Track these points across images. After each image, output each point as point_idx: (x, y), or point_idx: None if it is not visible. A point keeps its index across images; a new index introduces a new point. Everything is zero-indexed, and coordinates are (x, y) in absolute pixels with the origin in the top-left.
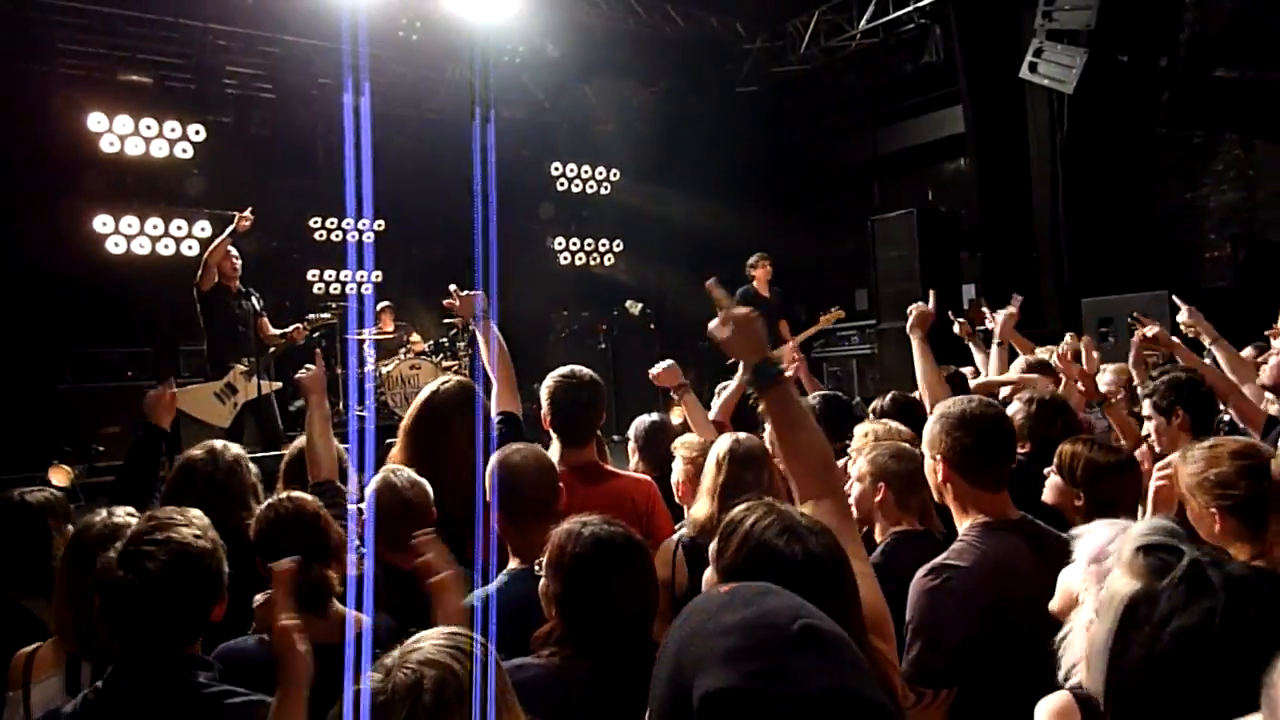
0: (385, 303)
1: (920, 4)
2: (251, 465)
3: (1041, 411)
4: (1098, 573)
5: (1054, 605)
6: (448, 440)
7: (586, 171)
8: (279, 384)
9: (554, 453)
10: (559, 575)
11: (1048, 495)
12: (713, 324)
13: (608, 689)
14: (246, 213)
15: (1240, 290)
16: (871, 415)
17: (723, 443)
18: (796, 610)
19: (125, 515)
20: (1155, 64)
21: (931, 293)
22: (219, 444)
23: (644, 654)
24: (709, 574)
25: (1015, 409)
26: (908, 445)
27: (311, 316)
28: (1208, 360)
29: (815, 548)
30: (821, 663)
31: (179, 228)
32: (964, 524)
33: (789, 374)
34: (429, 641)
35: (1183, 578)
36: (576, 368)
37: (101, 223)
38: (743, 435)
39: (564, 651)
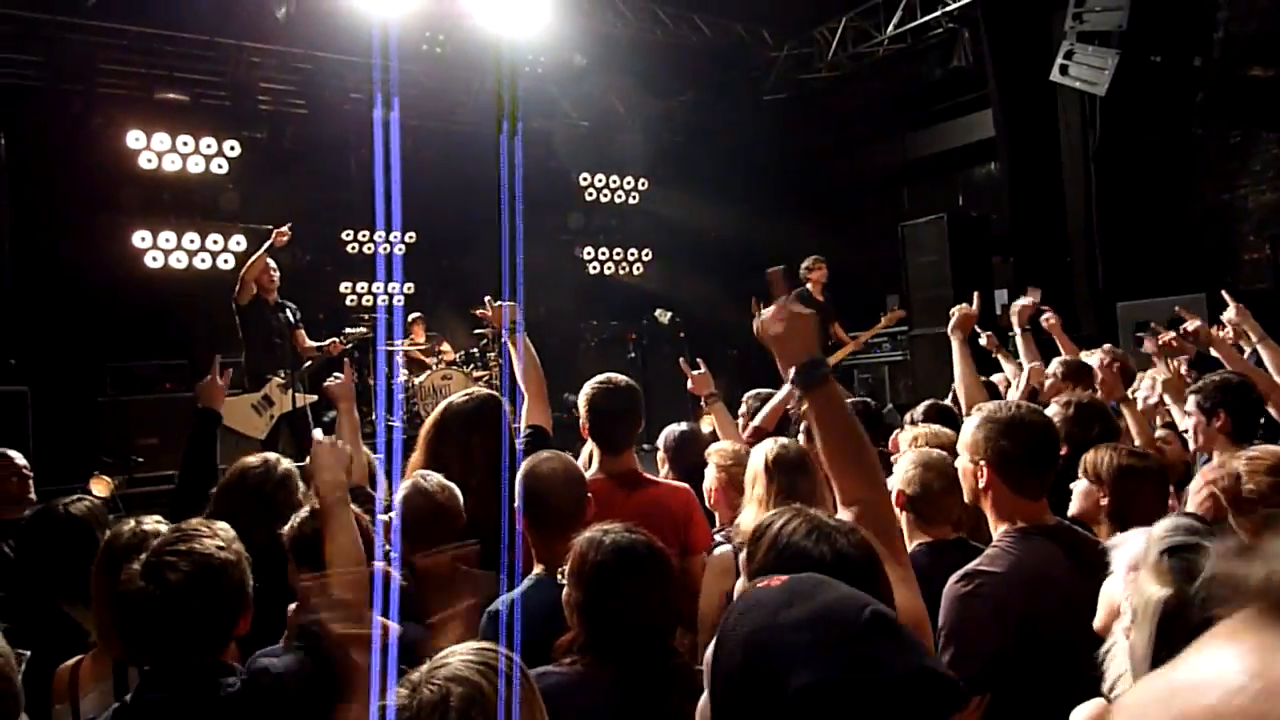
0: (417, 314)
1: (948, 8)
2: (300, 482)
3: (1080, 415)
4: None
5: (1098, 622)
6: (463, 448)
7: (615, 181)
8: (314, 397)
9: (592, 460)
10: (581, 583)
11: (1075, 502)
12: (765, 314)
13: (629, 697)
14: (284, 228)
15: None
16: (908, 423)
17: (767, 450)
18: (858, 599)
19: (154, 524)
20: (1189, 64)
21: (975, 295)
22: (273, 456)
23: (665, 662)
24: (741, 582)
25: (1053, 411)
26: (939, 452)
27: (348, 331)
28: (1250, 360)
29: (844, 547)
30: (898, 646)
31: (215, 242)
32: (999, 529)
33: None
34: (457, 657)
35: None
36: (614, 375)
37: (140, 238)
38: (785, 440)
39: (586, 659)
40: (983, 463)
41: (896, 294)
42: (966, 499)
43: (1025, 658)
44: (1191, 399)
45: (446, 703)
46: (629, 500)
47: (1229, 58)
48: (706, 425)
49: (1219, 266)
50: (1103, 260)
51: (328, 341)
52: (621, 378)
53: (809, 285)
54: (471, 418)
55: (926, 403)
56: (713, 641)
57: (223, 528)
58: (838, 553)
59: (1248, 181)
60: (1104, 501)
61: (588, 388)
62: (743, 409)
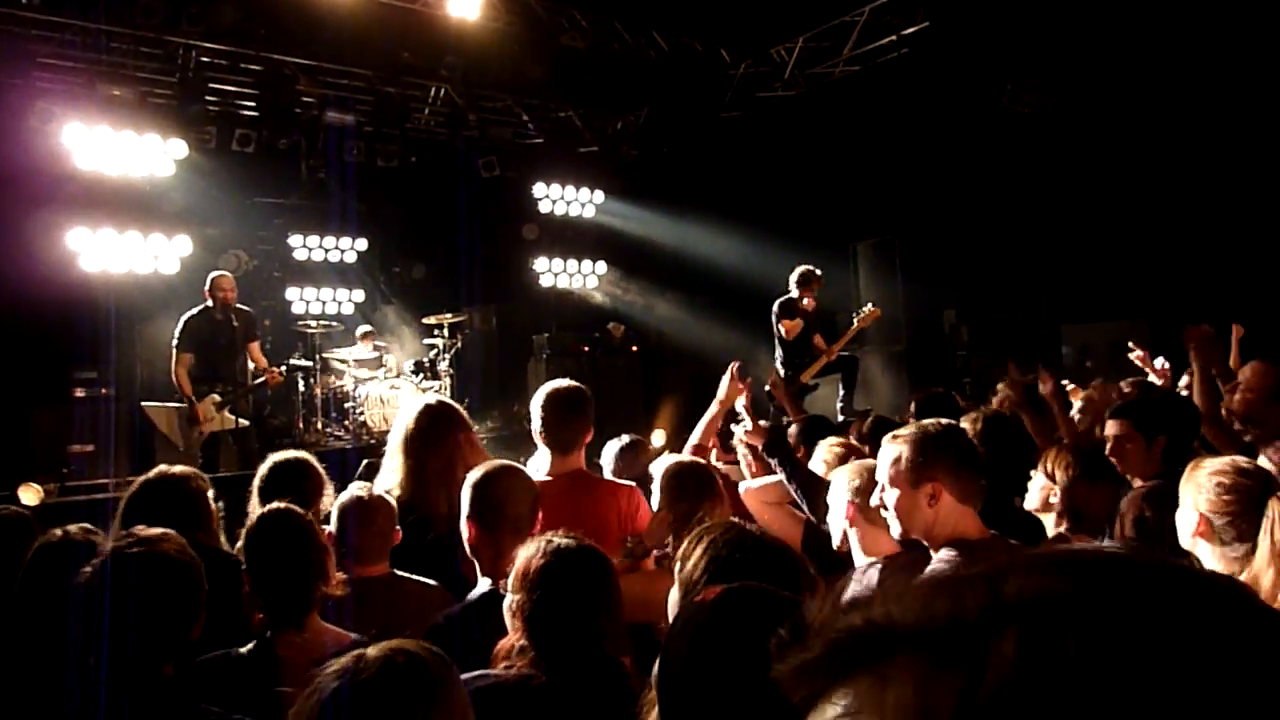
0: (367, 327)
1: (904, 33)
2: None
3: (988, 429)
4: None
5: None
6: (448, 451)
7: (570, 193)
8: (247, 423)
9: (544, 462)
10: (522, 587)
11: (1032, 496)
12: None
13: (565, 702)
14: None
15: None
16: (853, 438)
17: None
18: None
19: (81, 532)
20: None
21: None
22: (178, 468)
23: (603, 668)
24: (674, 594)
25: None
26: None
27: (292, 362)
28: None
29: (774, 561)
30: None
31: (157, 245)
32: (938, 543)
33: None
34: (397, 641)
35: None
36: (566, 380)
37: (76, 238)
38: (681, 458)
39: (523, 663)
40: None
41: (847, 312)
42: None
43: None
44: (1121, 422)
45: (394, 662)
46: (579, 500)
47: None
48: (658, 439)
49: (1162, 296)
50: (1051, 284)
51: (266, 374)
52: (573, 382)
53: (803, 297)
54: (457, 419)
55: (872, 415)
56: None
57: (174, 534)
58: (767, 566)
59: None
60: (1053, 500)
61: (539, 393)
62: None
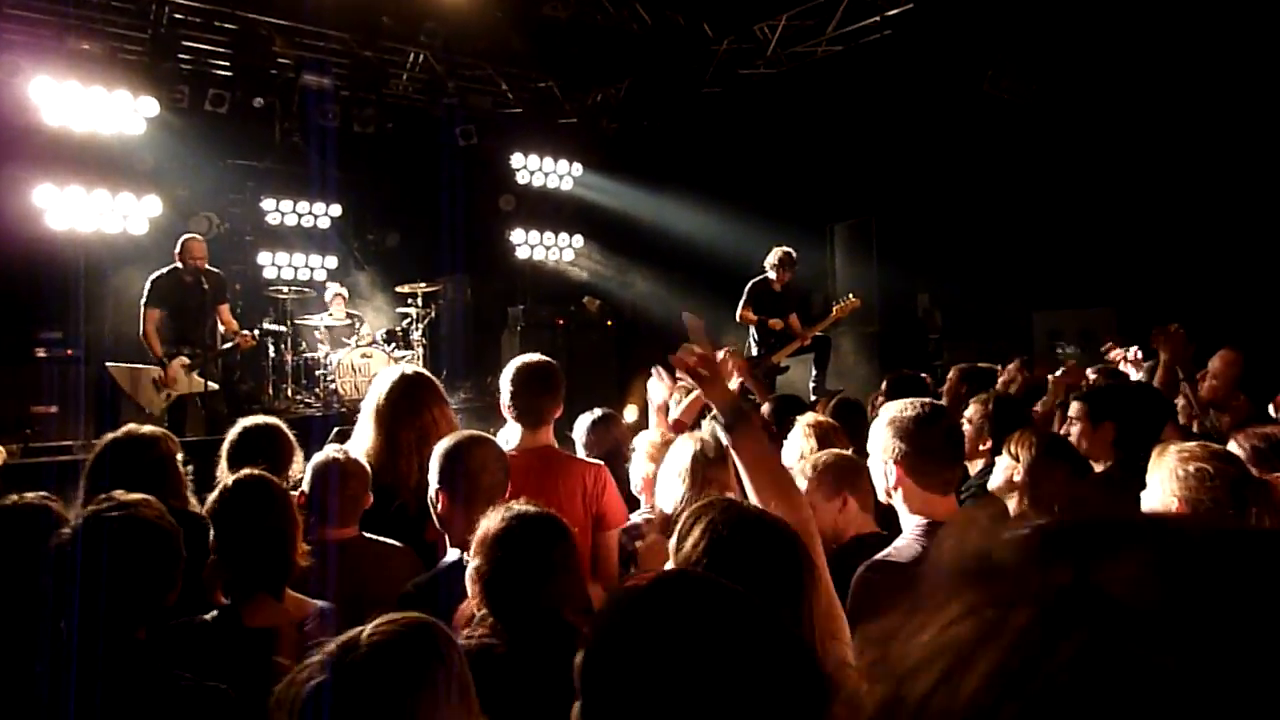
0: (339, 289)
1: (888, 14)
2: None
3: (1000, 410)
4: None
5: None
6: (422, 421)
7: (548, 165)
8: (216, 386)
9: (512, 436)
10: (481, 553)
11: (996, 476)
12: (683, 355)
13: (525, 670)
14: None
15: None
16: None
17: (695, 443)
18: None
19: (38, 498)
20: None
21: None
22: (147, 428)
23: (561, 635)
24: (670, 567)
25: (972, 410)
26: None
27: (265, 326)
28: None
29: (774, 544)
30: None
31: (125, 204)
32: (910, 523)
33: (734, 385)
34: (391, 616)
35: None
36: (536, 355)
37: (42, 195)
38: (706, 436)
39: (482, 630)
40: (890, 460)
41: (822, 293)
42: (880, 497)
43: None
44: (1077, 405)
45: (392, 645)
46: (545, 475)
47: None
48: (631, 414)
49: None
50: (1025, 270)
51: (238, 336)
52: (543, 357)
53: (773, 277)
54: (433, 391)
55: (838, 396)
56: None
57: (154, 499)
58: (774, 546)
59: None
60: (1019, 479)
61: (509, 367)
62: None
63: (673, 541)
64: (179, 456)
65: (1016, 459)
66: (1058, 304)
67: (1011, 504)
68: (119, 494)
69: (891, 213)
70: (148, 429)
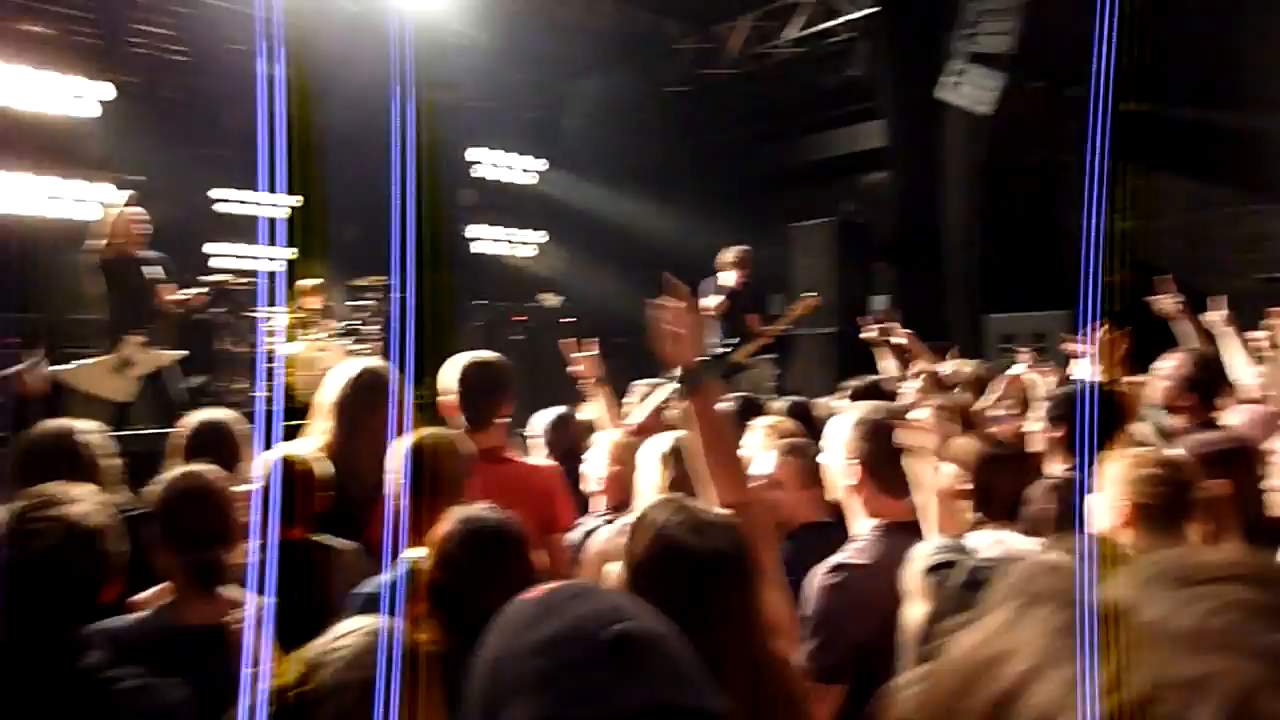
0: (310, 280)
1: (849, 17)
2: (100, 445)
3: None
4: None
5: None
6: (380, 417)
7: (511, 160)
8: (184, 352)
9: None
10: (433, 557)
11: (942, 484)
12: (664, 306)
13: (461, 672)
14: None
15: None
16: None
17: (664, 443)
18: (612, 615)
19: None
20: (1063, 92)
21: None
22: (58, 422)
23: None
24: (619, 569)
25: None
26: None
27: (212, 279)
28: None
29: (721, 543)
30: (636, 676)
31: (77, 190)
32: (868, 524)
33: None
34: (351, 638)
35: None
36: (483, 352)
37: None
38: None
39: (430, 634)
40: (856, 461)
41: (781, 294)
42: (837, 495)
43: (887, 649)
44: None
45: (347, 687)
46: (492, 477)
47: (1105, 90)
48: (589, 412)
49: (1079, 287)
50: (978, 274)
51: (190, 293)
52: (491, 354)
53: (731, 274)
54: (388, 386)
55: (790, 399)
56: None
57: (91, 491)
58: (714, 548)
59: (1111, 209)
60: (966, 488)
61: (455, 363)
62: (633, 397)
63: (625, 543)
64: (102, 447)
65: (962, 465)
66: (1011, 308)
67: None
68: (51, 488)
69: (851, 214)
70: (59, 422)
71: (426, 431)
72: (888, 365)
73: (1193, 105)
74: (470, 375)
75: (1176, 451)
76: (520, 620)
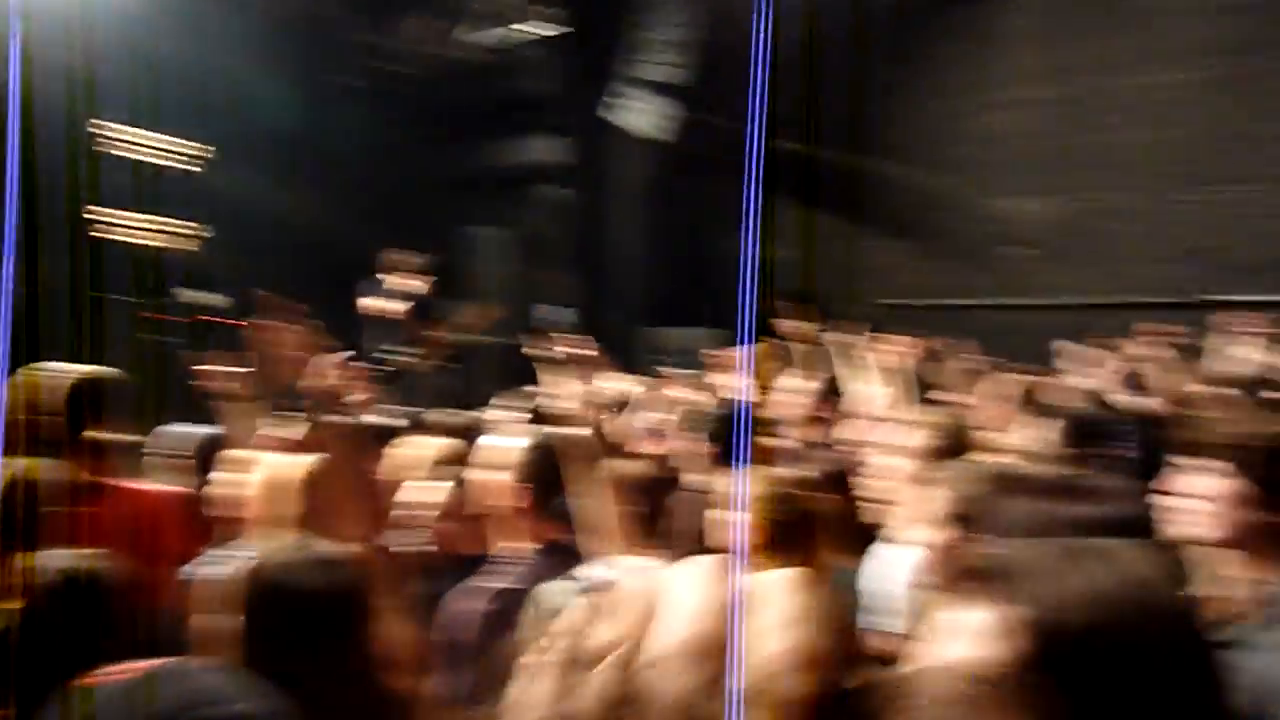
0: None
1: (539, 33)
2: None
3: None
4: None
5: None
6: None
7: (154, 140)
8: None
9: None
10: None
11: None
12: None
13: None
14: None
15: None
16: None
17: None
18: (208, 698)
19: None
20: (728, 125)
21: None
22: None
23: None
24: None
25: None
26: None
27: None
28: None
29: (334, 581)
30: None
31: None
32: (517, 546)
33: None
34: None
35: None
36: (88, 366)
37: None
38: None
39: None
40: (523, 484)
41: (456, 299)
42: (493, 513)
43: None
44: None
45: None
46: (96, 506)
47: (758, 128)
48: (221, 429)
49: (730, 309)
50: (639, 289)
51: None
52: (96, 368)
53: (402, 279)
54: None
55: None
56: None
57: None
58: (325, 586)
59: (763, 237)
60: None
61: (53, 375)
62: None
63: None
64: None
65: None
66: (667, 323)
67: None
68: None
69: (528, 223)
70: None
71: (12, 461)
72: (555, 379)
73: (832, 148)
74: (75, 391)
75: (804, 471)
76: (112, 710)
